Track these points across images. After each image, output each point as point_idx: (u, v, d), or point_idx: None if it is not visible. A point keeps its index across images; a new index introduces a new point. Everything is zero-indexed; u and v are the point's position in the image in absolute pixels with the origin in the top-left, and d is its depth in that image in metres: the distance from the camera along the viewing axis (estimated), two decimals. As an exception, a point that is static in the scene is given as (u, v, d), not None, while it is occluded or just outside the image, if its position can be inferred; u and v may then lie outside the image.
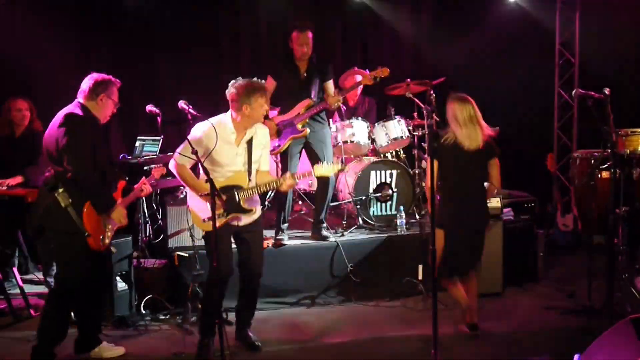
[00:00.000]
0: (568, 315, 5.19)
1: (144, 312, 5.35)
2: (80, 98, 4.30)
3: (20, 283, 5.48)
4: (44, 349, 4.22)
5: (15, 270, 5.59)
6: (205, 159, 4.25)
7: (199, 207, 4.41)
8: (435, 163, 4.54)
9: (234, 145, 4.40)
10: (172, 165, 4.44)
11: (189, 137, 4.23)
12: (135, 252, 5.76)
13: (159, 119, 5.12)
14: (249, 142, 4.46)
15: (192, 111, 4.19)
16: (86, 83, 4.32)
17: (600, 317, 4.89)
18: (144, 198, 6.06)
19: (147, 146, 6.58)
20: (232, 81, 4.42)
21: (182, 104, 4.22)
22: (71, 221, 4.14)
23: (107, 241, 4.38)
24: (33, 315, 5.21)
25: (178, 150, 4.38)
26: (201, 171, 4.42)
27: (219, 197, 4.01)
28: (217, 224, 4.21)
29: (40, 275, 6.01)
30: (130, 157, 6.40)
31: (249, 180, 4.46)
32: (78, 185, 4.12)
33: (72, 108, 4.24)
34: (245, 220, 4.49)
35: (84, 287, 4.31)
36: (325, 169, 4.59)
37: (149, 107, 4.38)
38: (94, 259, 4.33)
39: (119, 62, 7.53)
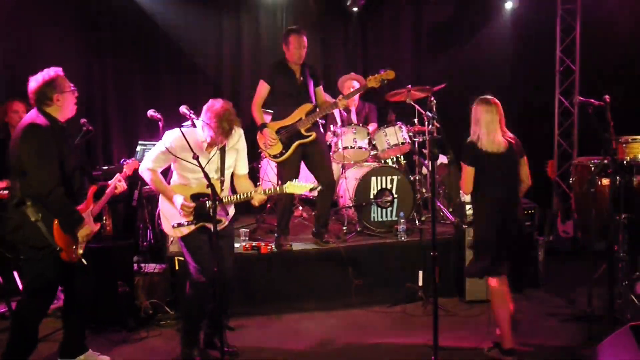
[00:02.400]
0: (568, 321, 5.19)
1: (144, 317, 5.35)
2: (37, 105, 4.08)
3: (21, 287, 5.47)
4: (15, 358, 4.12)
5: (15, 273, 5.58)
6: (177, 165, 4.31)
7: (169, 212, 4.38)
8: (471, 170, 4.49)
9: (205, 153, 4.30)
10: (143, 170, 4.38)
11: (163, 143, 4.26)
12: (136, 256, 5.76)
13: (160, 124, 5.15)
14: (222, 148, 4.37)
15: (193, 117, 4.17)
16: (33, 89, 4.06)
17: (601, 324, 4.89)
18: (145, 201, 6.08)
19: (148, 151, 6.57)
20: (212, 103, 4.24)
21: (183, 109, 4.21)
22: (41, 236, 3.98)
23: (80, 251, 4.22)
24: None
25: (150, 156, 4.36)
26: (173, 176, 4.44)
27: (207, 203, 3.93)
28: (185, 232, 4.30)
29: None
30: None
31: (222, 189, 4.37)
32: (40, 200, 3.95)
33: (34, 117, 4.01)
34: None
35: (54, 294, 4.25)
36: (298, 187, 4.39)
37: (151, 112, 4.39)
38: (68, 270, 4.19)
39: (120, 67, 7.58)
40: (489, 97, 4.58)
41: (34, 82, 4.07)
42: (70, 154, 4.14)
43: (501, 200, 4.53)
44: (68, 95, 4.14)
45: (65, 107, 4.14)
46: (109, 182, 4.56)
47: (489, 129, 4.47)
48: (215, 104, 4.21)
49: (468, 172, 4.51)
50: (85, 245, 4.30)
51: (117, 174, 4.56)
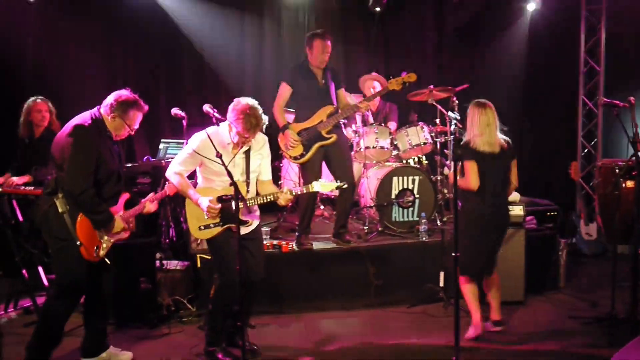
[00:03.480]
0: (591, 324, 5.14)
1: (166, 313, 5.40)
2: (101, 107, 4.26)
3: (45, 282, 5.55)
4: (39, 352, 4.19)
5: (40, 268, 5.65)
6: (203, 168, 4.35)
7: (196, 214, 4.40)
8: (474, 164, 4.68)
9: (230, 155, 4.34)
10: (170, 174, 4.42)
11: (190, 146, 4.31)
12: (158, 253, 5.81)
13: (184, 122, 5.19)
14: (247, 152, 4.42)
15: (217, 115, 4.19)
16: (110, 96, 4.24)
17: (624, 327, 4.85)
18: (167, 199, 6.12)
19: (171, 149, 6.64)
20: (237, 101, 4.28)
21: (207, 107, 4.25)
22: (66, 228, 4.10)
23: (101, 252, 4.26)
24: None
25: (177, 160, 4.40)
26: (199, 180, 4.48)
27: (232, 203, 3.96)
28: (211, 234, 4.35)
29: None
30: (153, 159, 6.46)
31: (247, 191, 4.41)
32: (72, 197, 4.08)
33: (85, 117, 4.18)
34: (242, 230, 4.38)
35: (83, 292, 4.30)
36: (324, 185, 4.46)
37: (175, 110, 4.43)
38: (90, 267, 4.24)
39: (144, 65, 7.65)
40: (483, 100, 4.82)
41: (116, 93, 4.24)
42: (110, 159, 4.23)
43: (492, 197, 4.78)
44: (125, 126, 4.26)
45: (115, 129, 4.27)
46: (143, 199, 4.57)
47: (483, 130, 4.72)
48: (240, 101, 4.27)
49: (472, 167, 4.73)
50: (110, 247, 4.36)
51: (152, 193, 4.57)
